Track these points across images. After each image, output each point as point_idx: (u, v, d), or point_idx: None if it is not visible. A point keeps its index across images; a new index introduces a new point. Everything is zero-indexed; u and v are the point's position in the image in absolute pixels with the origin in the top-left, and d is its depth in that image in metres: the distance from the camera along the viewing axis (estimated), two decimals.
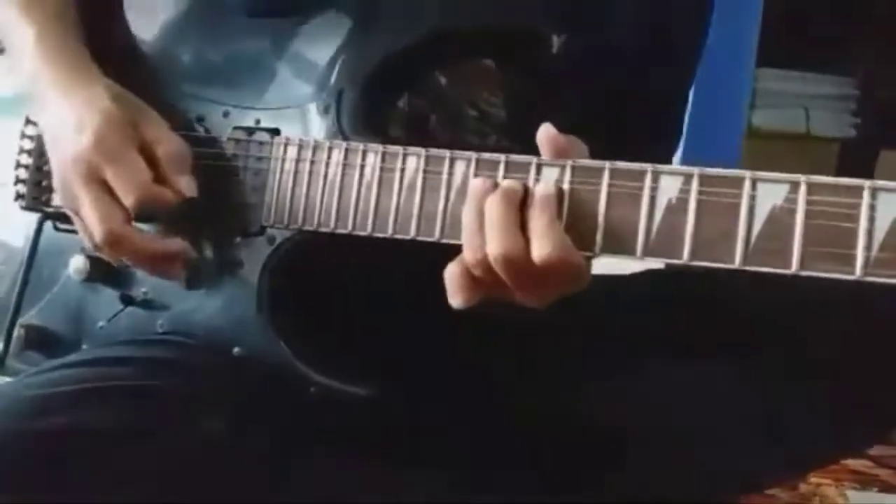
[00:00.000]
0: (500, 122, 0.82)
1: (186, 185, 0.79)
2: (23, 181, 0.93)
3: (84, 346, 0.88)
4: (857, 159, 2.44)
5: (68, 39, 0.84)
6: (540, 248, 0.62)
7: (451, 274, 0.66)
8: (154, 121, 0.80)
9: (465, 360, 0.81)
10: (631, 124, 0.80)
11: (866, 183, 0.52)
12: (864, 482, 1.18)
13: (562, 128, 0.66)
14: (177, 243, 0.80)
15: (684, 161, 0.65)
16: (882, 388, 0.75)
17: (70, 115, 0.80)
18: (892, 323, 0.73)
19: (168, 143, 0.79)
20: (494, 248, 0.63)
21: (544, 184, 0.65)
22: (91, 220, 0.78)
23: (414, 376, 0.80)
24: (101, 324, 0.87)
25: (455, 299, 0.67)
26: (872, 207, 0.51)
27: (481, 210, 0.65)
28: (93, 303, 0.88)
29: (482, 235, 0.64)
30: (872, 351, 0.74)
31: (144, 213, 0.79)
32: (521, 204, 0.64)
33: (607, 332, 0.79)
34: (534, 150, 0.68)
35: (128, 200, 0.77)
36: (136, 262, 0.81)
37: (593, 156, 0.66)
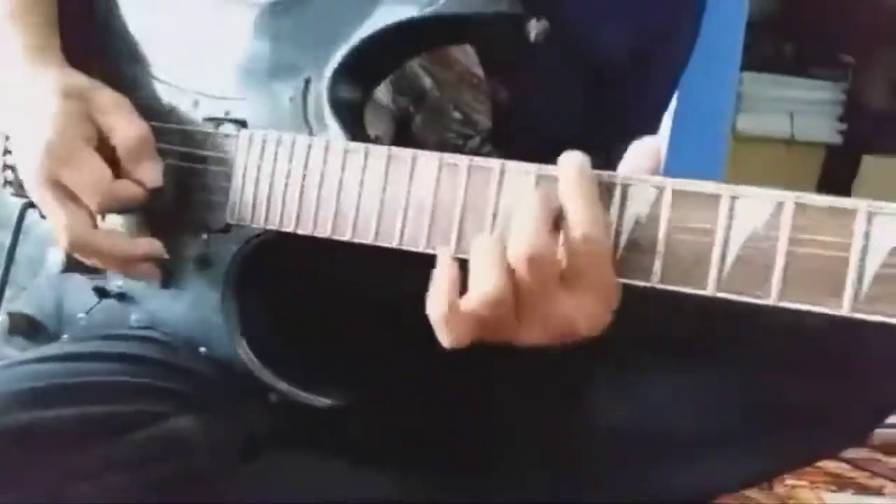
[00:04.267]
0: (484, 126, 0.73)
1: (148, 174, 0.70)
2: (11, 167, 0.83)
3: (64, 336, 0.80)
4: (841, 164, 2.34)
5: (31, 16, 0.75)
6: (577, 229, 0.49)
7: (436, 305, 0.55)
8: (111, 108, 0.71)
9: (441, 366, 0.72)
10: (612, 128, 0.71)
11: (861, 205, 0.42)
12: (841, 485, 1.11)
13: (545, 133, 0.56)
14: (145, 245, 0.72)
15: (667, 167, 0.56)
16: (857, 390, 0.67)
17: (23, 116, 0.71)
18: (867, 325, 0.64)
19: (124, 131, 0.70)
20: (518, 247, 0.51)
21: (572, 160, 0.52)
22: (55, 225, 0.71)
23: (385, 382, 0.71)
24: (80, 315, 0.79)
25: (447, 340, 0.55)
26: (868, 234, 0.41)
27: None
28: (72, 293, 0.80)
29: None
30: (846, 352, 0.65)
31: (110, 211, 0.70)
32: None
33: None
34: (515, 154, 0.58)
35: (89, 202, 0.69)
36: (105, 264, 0.73)
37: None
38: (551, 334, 0.54)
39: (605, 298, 0.51)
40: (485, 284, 0.53)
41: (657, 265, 0.47)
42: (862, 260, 0.41)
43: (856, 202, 0.41)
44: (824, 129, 2.42)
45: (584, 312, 0.52)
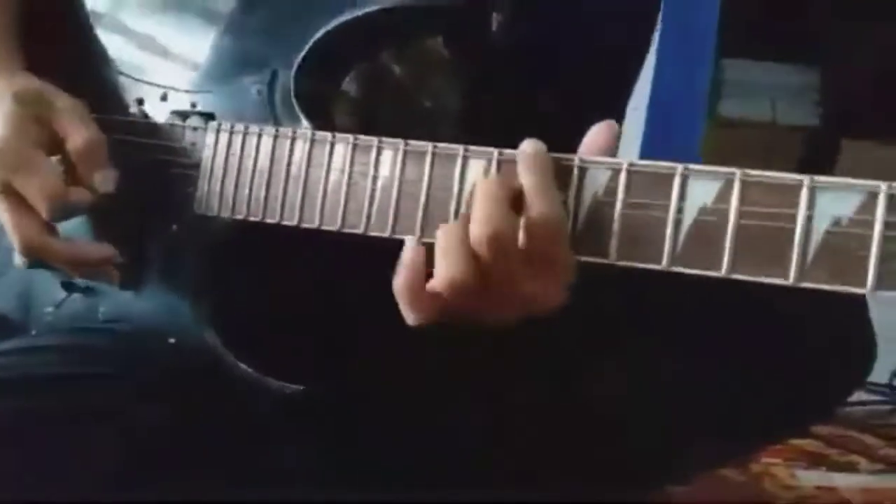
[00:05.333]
0: (453, 113, 0.74)
1: (100, 181, 0.70)
2: None
3: (33, 332, 0.81)
4: (821, 148, 2.37)
5: None
6: (535, 210, 0.51)
7: (403, 287, 0.56)
8: (65, 112, 0.70)
9: (410, 350, 0.74)
10: (576, 114, 0.72)
11: (805, 180, 0.43)
12: (815, 462, 1.13)
13: (511, 118, 0.58)
14: (100, 250, 0.72)
15: (643, 152, 0.58)
16: (826, 367, 0.70)
17: None
18: (834, 303, 0.66)
19: (76, 137, 0.70)
20: (480, 228, 0.53)
21: (530, 142, 0.54)
22: (8, 231, 0.71)
23: (352, 370, 0.72)
24: (48, 309, 0.79)
25: (412, 317, 0.57)
26: (811, 207, 0.43)
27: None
28: (40, 288, 0.80)
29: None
30: (813, 332, 0.67)
31: (62, 216, 0.70)
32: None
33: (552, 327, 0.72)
34: (484, 141, 0.59)
35: (40, 209, 0.69)
36: (61, 267, 0.74)
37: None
38: (514, 312, 0.56)
39: (565, 274, 0.53)
40: (450, 269, 0.55)
41: (613, 243, 0.49)
42: (806, 232, 0.43)
43: (800, 177, 0.43)
44: (805, 113, 2.45)
45: (546, 288, 0.53)
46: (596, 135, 0.54)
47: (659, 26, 1.17)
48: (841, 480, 1.09)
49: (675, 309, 0.68)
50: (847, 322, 0.71)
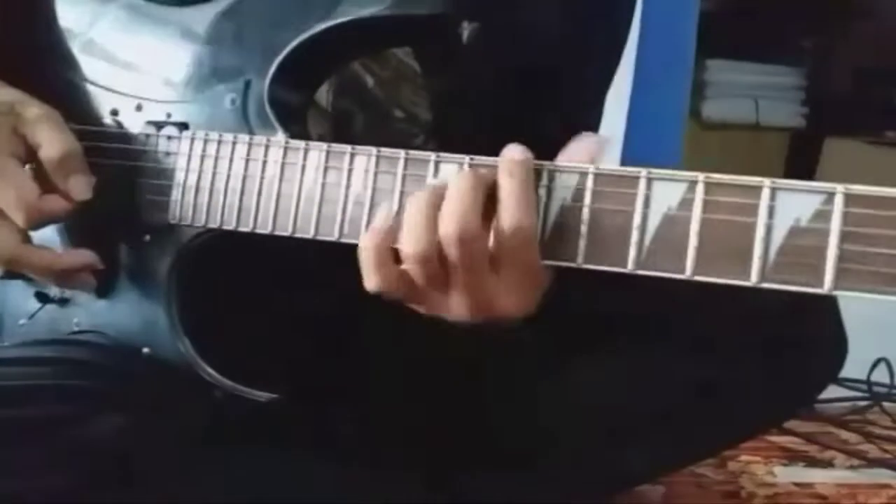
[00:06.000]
0: (425, 122, 0.75)
1: (76, 188, 0.70)
2: None
3: (5, 343, 0.80)
4: (805, 148, 2.39)
5: None
6: (510, 216, 0.52)
7: (367, 249, 0.57)
8: (39, 121, 0.70)
9: (379, 362, 0.74)
10: (550, 123, 0.73)
11: (766, 182, 0.44)
12: (792, 458, 1.15)
13: (483, 127, 0.59)
14: (79, 257, 0.72)
15: (624, 156, 0.59)
16: (799, 363, 0.71)
17: None
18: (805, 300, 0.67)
19: (49, 146, 0.69)
20: (450, 225, 0.53)
21: (518, 148, 0.55)
22: None
23: (327, 378, 0.73)
24: (21, 321, 0.79)
25: (371, 280, 0.57)
26: (771, 209, 0.44)
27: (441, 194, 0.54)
28: (13, 299, 0.80)
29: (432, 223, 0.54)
30: (787, 327, 0.69)
31: (39, 226, 0.70)
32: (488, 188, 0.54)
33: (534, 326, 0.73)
34: (456, 148, 0.60)
35: (17, 217, 0.69)
36: (39, 277, 0.74)
37: None
38: (476, 312, 0.56)
39: (531, 281, 0.54)
40: (414, 245, 0.55)
41: (581, 246, 0.50)
42: (768, 233, 0.44)
43: (761, 180, 0.44)
44: (788, 114, 2.47)
45: (511, 294, 0.54)
46: (578, 151, 0.54)
47: (637, 30, 1.18)
48: (818, 476, 1.10)
49: (647, 306, 0.70)
50: (818, 318, 0.72)
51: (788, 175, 0.47)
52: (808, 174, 2.18)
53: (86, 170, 0.71)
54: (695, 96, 2.35)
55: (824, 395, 1.18)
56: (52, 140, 0.70)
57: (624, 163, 0.52)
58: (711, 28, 1.97)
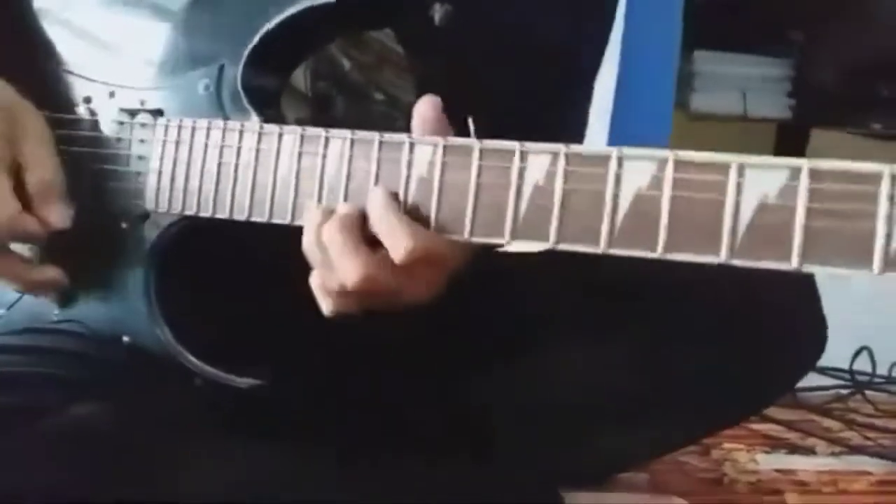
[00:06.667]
0: (407, 105, 0.75)
1: (54, 217, 0.70)
2: None
3: None
4: (792, 139, 2.40)
5: None
6: (396, 249, 0.56)
7: (316, 286, 0.61)
8: (32, 137, 0.70)
9: (359, 347, 0.74)
10: (533, 109, 0.73)
11: (734, 159, 0.44)
12: (774, 446, 1.15)
13: (465, 109, 0.59)
14: (48, 273, 0.73)
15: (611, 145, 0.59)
16: (779, 349, 0.72)
17: None
18: (785, 285, 0.68)
19: (37, 170, 0.70)
20: (350, 276, 0.57)
21: (373, 194, 0.58)
22: None
23: (305, 364, 0.73)
24: (0, 311, 0.80)
25: (326, 308, 0.61)
26: (739, 186, 0.44)
27: (322, 243, 0.59)
28: None
29: (330, 266, 0.58)
30: (766, 313, 0.70)
31: (14, 239, 0.71)
32: (361, 223, 0.58)
33: (502, 314, 0.73)
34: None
35: None
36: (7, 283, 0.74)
37: None
38: (433, 287, 0.59)
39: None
40: (346, 275, 0.58)
41: (553, 226, 0.50)
42: (736, 210, 0.44)
43: (729, 157, 0.44)
44: (776, 105, 2.47)
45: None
46: (421, 109, 0.58)
47: (622, 19, 1.18)
48: (800, 463, 1.11)
49: (629, 293, 0.70)
50: (798, 305, 0.72)
51: None
52: None
53: (65, 200, 0.71)
54: (682, 88, 2.35)
55: (807, 383, 1.19)
56: (37, 163, 0.70)
57: None
58: (699, 19, 1.98)
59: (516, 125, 0.59)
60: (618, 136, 1.50)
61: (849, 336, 0.96)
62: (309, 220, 0.60)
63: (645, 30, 1.46)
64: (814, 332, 0.76)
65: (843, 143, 2.30)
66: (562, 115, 0.79)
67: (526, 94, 0.74)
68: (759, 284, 0.63)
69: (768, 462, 1.08)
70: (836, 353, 0.92)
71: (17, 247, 0.74)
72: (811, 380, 1.22)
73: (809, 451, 1.15)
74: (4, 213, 0.69)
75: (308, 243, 0.60)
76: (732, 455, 1.08)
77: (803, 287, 0.72)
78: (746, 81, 2.46)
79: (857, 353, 1.39)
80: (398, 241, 0.56)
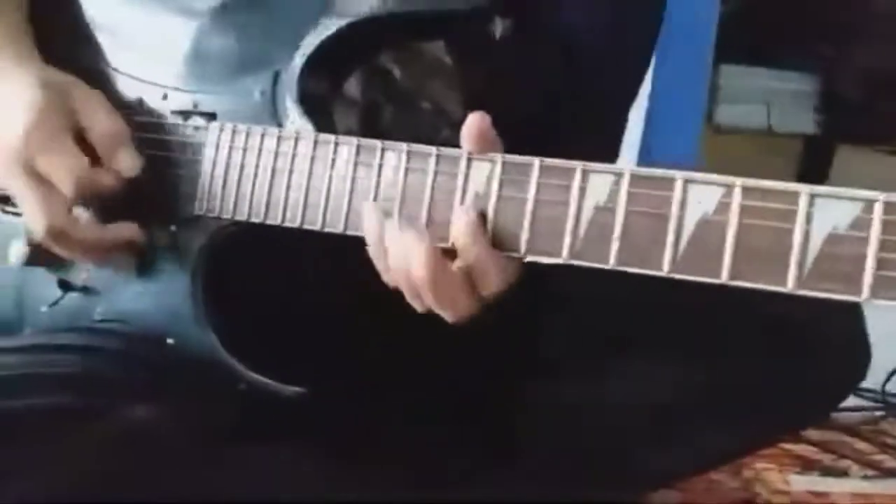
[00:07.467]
0: (454, 117, 0.76)
1: (125, 163, 0.72)
2: None
3: (27, 330, 0.81)
4: (817, 155, 2.39)
5: (3, 16, 0.77)
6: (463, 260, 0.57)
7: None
8: (91, 104, 0.73)
9: (408, 357, 0.75)
10: (577, 124, 0.74)
11: (804, 188, 0.45)
12: (806, 467, 1.15)
13: (510, 124, 0.59)
14: (125, 229, 0.74)
15: (641, 158, 0.60)
16: (822, 370, 0.72)
17: (0, 106, 0.72)
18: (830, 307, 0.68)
19: (101, 125, 0.73)
20: (419, 274, 0.59)
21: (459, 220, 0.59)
22: (30, 215, 0.72)
23: (351, 373, 0.74)
24: (43, 308, 0.80)
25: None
26: (809, 215, 0.45)
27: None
28: (35, 286, 0.81)
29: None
30: (810, 333, 0.70)
31: (85, 198, 0.72)
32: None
33: (552, 331, 0.74)
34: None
35: (66, 188, 0.71)
36: (83, 253, 0.75)
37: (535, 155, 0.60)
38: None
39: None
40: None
41: (614, 248, 0.51)
42: (805, 240, 0.45)
43: (798, 186, 0.45)
44: (801, 120, 2.47)
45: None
46: (474, 123, 0.59)
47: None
48: (833, 486, 1.11)
49: (671, 312, 0.70)
50: (843, 325, 0.73)
51: (800, 181, 0.47)
52: (820, 181, 2.18)
53: (133, 147, 0.73)
54: (707, 101, 2.35)
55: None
56: (101, 118, 0.73)
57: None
58: (725, 33, 1.98)
59: (562, 140, 0.60)
60: (648, 149, 1.51)
61: (882, 357, 0.96)
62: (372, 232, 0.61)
63: (678, 45, 1.47)
64: (857, 352, 0.76)
65: (869, 160, 2.30)
66: (605, 131, 0.80)
67: (573, 109, 0.75)
68: (804, 303, 0.64)
69: (801, 483, 1.08)
70: (868, 374, 0.92)
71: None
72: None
73: (842, 473, 1.15)
74: (76, 168, 0.71)
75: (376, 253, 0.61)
76: (763, 475, 1.08)
77: (849, 308, 0.73)
78: (772, 95, 2.46)
79: (891, 375, 1.40)
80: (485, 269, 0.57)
